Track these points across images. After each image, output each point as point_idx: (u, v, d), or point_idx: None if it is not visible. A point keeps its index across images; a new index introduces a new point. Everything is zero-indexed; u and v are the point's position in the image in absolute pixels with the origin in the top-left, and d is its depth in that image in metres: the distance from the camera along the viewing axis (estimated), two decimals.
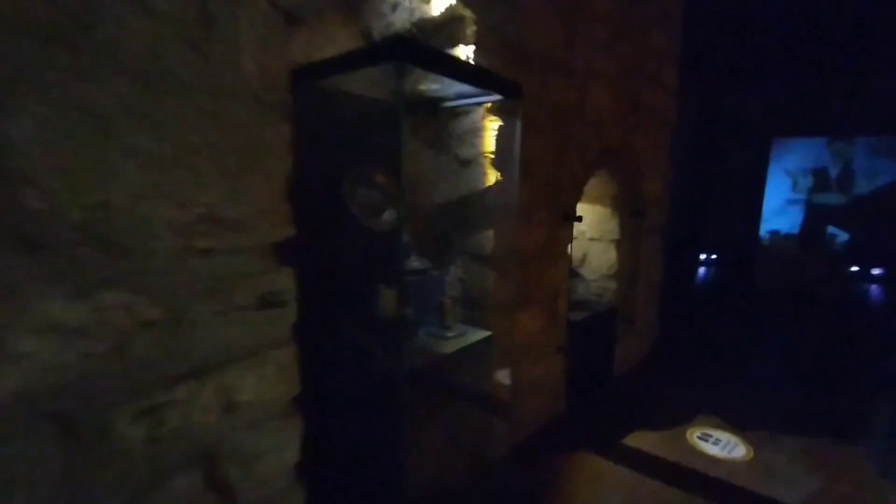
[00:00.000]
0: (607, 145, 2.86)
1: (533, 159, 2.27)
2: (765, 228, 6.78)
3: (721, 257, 7.00)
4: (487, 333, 1.89)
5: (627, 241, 3.31)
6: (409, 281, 1.83)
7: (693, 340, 4.27)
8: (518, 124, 1.83)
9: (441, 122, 2.23)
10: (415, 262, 1.92)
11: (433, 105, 2.03)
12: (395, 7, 2.03)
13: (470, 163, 2.16)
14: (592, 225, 3.35)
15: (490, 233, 2.11)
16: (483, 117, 2.06)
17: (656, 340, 3.97)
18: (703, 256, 7.10)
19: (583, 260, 3.42)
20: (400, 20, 2.02)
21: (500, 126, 2.05)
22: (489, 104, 2.01)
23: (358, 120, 1.86)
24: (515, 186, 1.93)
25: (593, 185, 3.15)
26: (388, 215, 1.90)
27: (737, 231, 6.78)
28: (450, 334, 1.79)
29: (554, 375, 2.71)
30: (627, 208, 3.26)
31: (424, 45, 1.46)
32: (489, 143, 2.07)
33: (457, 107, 2.07)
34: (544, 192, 2.39)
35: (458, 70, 1.40)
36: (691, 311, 5.14)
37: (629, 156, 3.14)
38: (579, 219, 2.50)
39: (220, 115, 1.04)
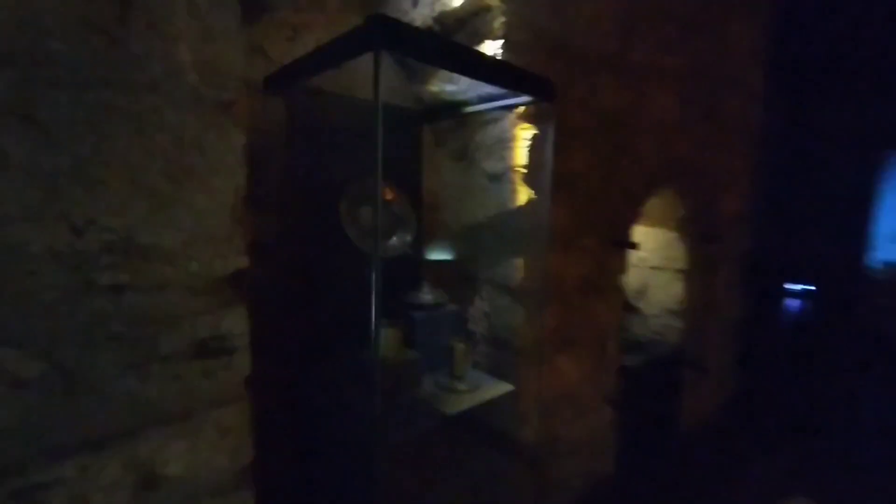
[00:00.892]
0: (673, 158, 2.41)
1: (576, 174, 1.91)
2: (875, 258, 5.71)
3: (817, 290, 6.00)
4: (508, 388, 1.54)
5: (698, 271, 2.78)
6: (416, 318, 1.54)
7: (781, 393, 3.55)
8: (550, 131, 1.49)
9: (469, 131, 1.94)
10: (426, 295, 1.63)
11: (455, 111, 1.75)
12: (415, 2, 1.79)
13: (499, 178, 1.84)
14: (654, 252, 2.87)
15: (519, 261, 1.77)
16: (513, 125, 1.75)
17: (734, 391, 3.33)
18: (793, 287, 6.13)
19: (642, 293, 2.93)
20: (421, 16, 1.78)
21: (534, 135, 1.72)
22: (520, 109, 1.70)
23: (363, 128, 1.62)
24: (547, 206, 1.58)
25: (655, 205, 2.69)
26: (397, 240, 1.63)
27: (837, 261, 5.77)
28: (461, 386, 1.47)
29: (600, 432, 2.27)
30: (698, 232, 2.75)
31: (413, 28, 1.18)
32: (520, 155, 1.74)
33: (482, 112, 1.78)
34: (590, 214, 2.01)
35: (463, 60, 1.11)
36: (778, 355, 4.35)
37: (700, 170, 2.65)
38: (635, 245, 2.08)
39: (141, 117, 0.83)
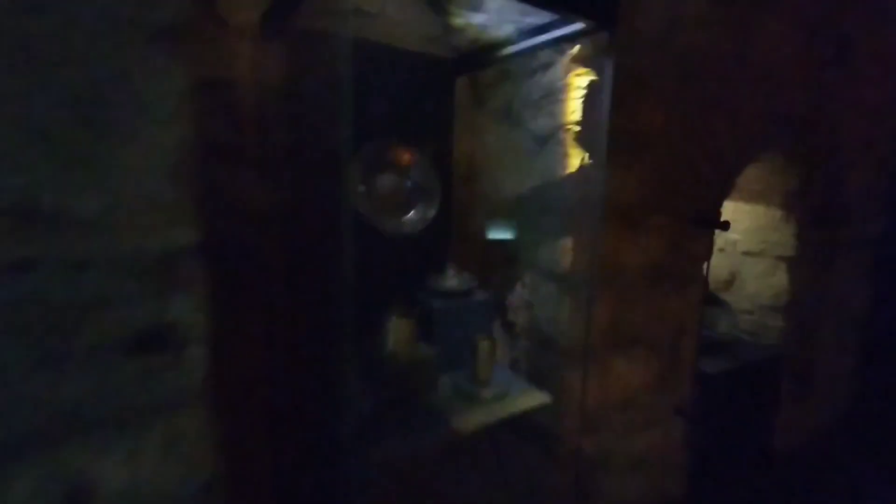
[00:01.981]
0: (784, 114, 1.88)
1: (646, 134, 1.52)
2: None
3: None
4: (544, 399, 1.25)
5: (808, 259, 2.23)
6: (434, 307, 1.29)
7: None
8: (609, 75, 1.13)
9: (514, 84, 1.62)
10: (450, 280, 1.37)
11: (492, 56, 1.43)
12: None
13: (547, 140, 1.51)
14: (749, 233, 2.34)
15: (567, 241, 1.44)
16: (567, 72, 1.40)
17: (850, 408, 2.72)
18: None
19: (729, 283, 2.43)
20: None
21: (591, 83, 1.36)
22: (575, 50, 1.34)
23: (382, 79, 1.36)
24: (604, 172, 1.24)
25: (754, 175, 2.17)
26: (417, 214, 1.38)
27: None
28: (484, 393, 1.21)
29: (669, 447, 1.90)
30: (812, 211, 2.18)
31: None
32: (573, 109, 1.39)
33: (527, 58, 1.44)
34: (665, 184, 1.61)
35: None
36: None
37: (822, 131, 2.07)
38: (726, 225, 1.64)
39: (44, 46, 0.64)
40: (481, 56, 1.46)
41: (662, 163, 1.58)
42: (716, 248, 2.41)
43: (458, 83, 1.66)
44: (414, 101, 1.43)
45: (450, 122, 1.58)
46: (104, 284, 0.73)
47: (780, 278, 2.25)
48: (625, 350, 1.65)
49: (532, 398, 1.24)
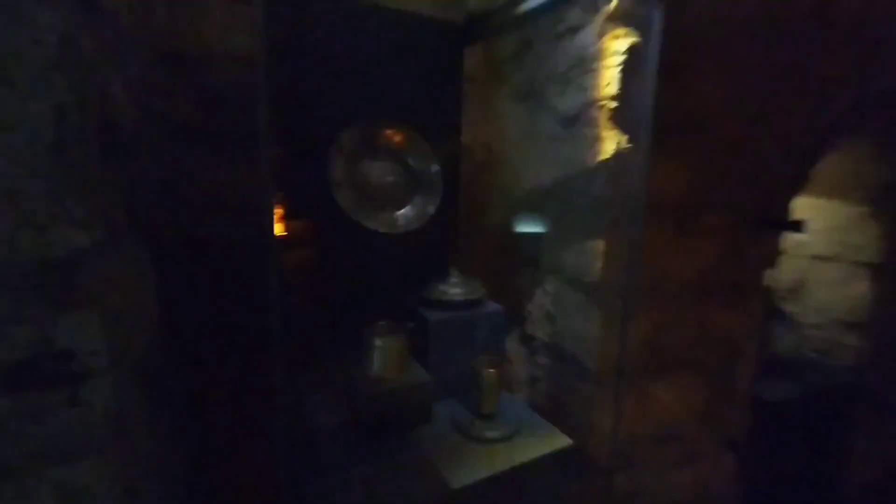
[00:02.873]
0: (876, 89, 1.53)
1: (702, 112, 1.23)
2: None
3: None
4: (564, 442, 1.00)
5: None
6: (430, 321, 1.07)
7: None
8: (656, 29, 0.87)
9: (537, 55, 1.36)
10: (454, 288, 1.14)
11: (508, 15, 1.18)
12: None
13: (575, 120, 1.25)
14: (822, 234, 1.98)
15: (597, 244, 1.18)
16: (600, 36, 1.13)
17: None
18: None
19: (794, 292, 2.07)
20: None
21: (632, 47, 1.09)
22: (611, 6, 1.08)
23: (374, 48, 1.14)
24: (645, 160, 0.97)
25: (830, 164, 1.81)
26: (414, 209, 1.16)
27: None
28: (488, 432, 0.98)
29: (718, 486, 1.61)
30: None
31: None
32: (608, 81, 1.13)
33: (551, 19, 1.19)
34: (722, 175, 1.31)
35: None
36: None
37: None
38: (797, 226, 1.33)
39: None
40: (496, 17, 1.22)
41: (721, 149, 1.29)
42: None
43: (472, 58, 1.42)
44: (415, 75, 1.21)
45: (458, 100, 1.34)
46: None
47: (859, 288, 1.88)
48: (666, 373, 1.38)
49: (549, 441, 1.00)
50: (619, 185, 1.17)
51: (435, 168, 1.17)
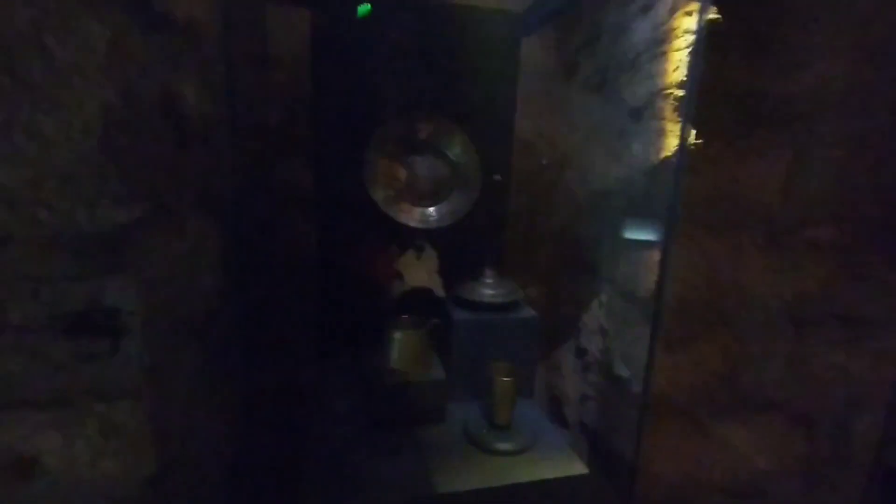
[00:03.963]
0: None
1: (805, 99, 1.00)
2: None
3: None
4: (576, 470, 0.90)
5: None
6: (455, 320, 1.05)
7: None
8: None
9: (609, 41, 1.25)
10: (487, 289, 1.10)
11: None
12: None
13: (641, 112, 1.12)
14: None
15: (652, 253, 1.04)
16: (673, 11, 0.99)
17: None
18: None
19: None
20: None
21: (710, 23, 0.93)
22: None
23: (421, 43, 1.15)
24: (718, 159, 0.83)
25: None
26: (450, 205, 1.14)
27: None
28: (500, 444, 0.92)
29: None
30: None
31: None
32: (676, 65, 0.98)
33: None
34: (836, 179, 1.05)
35: None
36: None
37: None
38: None
39: None
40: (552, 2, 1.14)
41: (831, 145, 1.03)
42: None
43: (536, 48, 1.35)
44: (472, 67, 1.19)
45: (513, 93, 1.28)
46: (30, 262, 0.69)
47: None
48: (745, 415, 1.15)
49: (561, 465, 0.90)
50: (684, 187, 1.00)
51: (473, 163, 1.13)
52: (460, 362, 1.02)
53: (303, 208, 1.20)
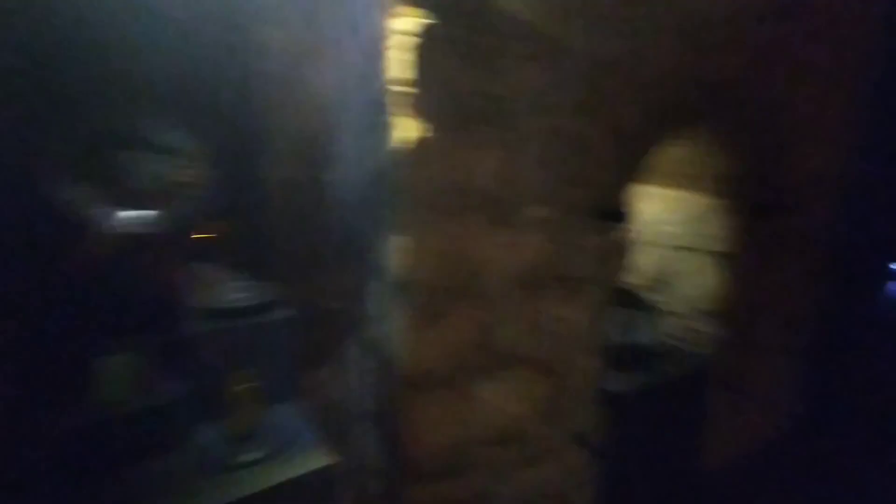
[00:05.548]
0: (707, 79, 1.54)
1: (515, 98, 1.17)
2: None
3: None
4: (323, 461, 0.91)
5: (744, 254, 1.92)
6: (194, 333, 0.94)
7: (867, 416, 2.60)
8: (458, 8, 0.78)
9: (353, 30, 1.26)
10: (233, 293, 1.02)
11: None
12: None
13: (381, 105, 1.16)
14: (684, 225, 2.02)
15: (404, 239, 1.10)
16: (395, 13, 1.04)
17: (795, 415, 2.45)
18: None
19: (662, 283, 2.12)
20: None
21: (424, 30, 1.00)
22: None
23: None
24: (451, 151, 0.90)
25: (681, 156, 1.84)
26: (173, 210, 1.01)
27: None
28: (245, 455, 0.87)
29: (569, 483, 1.59)
30: (750, 198, 1.87)
31: None
32: (402, 63, 1.04)
33: None
34: (544, 166, 1.26)
35: None
36: (873, 362, 3.29)
37: (759, 101, 1.74)
38: (620, 217, 1.31)
39: None
40: None
41: (540, 138, 1.23)
42: (644, 241, 2.10)
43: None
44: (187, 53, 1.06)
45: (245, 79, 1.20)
46: None
47: (712, 277, 1.94)
48: (496, 373, 1.32)
49: (309, 462, 0.90)
50: (424, 176, 1.09)
51: (197, 152, 1.03)
52: (201, 379, 0.93)
53: None
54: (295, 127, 1.20)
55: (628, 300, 1.85)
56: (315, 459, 0.89)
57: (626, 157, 1.42)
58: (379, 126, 1.11)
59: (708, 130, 1.66)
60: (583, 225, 1.37)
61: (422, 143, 1.06)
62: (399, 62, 1.04)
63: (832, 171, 2.22)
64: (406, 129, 1.06)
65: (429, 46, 1.03)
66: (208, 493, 0.79)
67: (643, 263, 2.10)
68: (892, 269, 4.82)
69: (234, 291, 1.00)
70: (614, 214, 1.42)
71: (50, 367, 0.84)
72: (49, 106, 0.88)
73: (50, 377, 0.82)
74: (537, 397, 1.43)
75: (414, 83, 1.04)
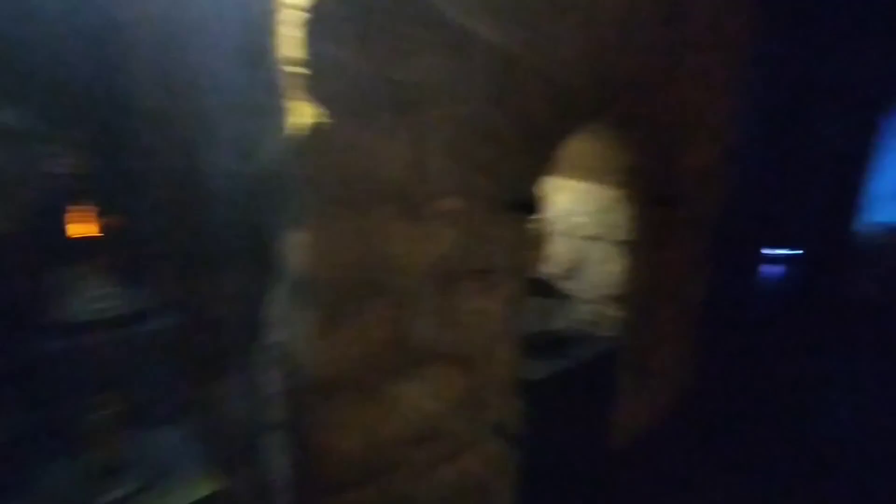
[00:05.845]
0: (611, 77, 1.62)
1: (421, 87, 1.12)
2: (870, 218, 5.06)
3: (804, 254, 5.37)
4: (207, 490, 0.81)
5: (644, 243, 2.06)
6: (45, 354, 0.78)
7: (750, 384, 2.96)
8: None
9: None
10: (100, 302, 0.86)
11: None
12: None
13: (273, 87, 1.05)
14: (593, 216, 2.13)
15: (302, 237, 1.01)
16: None
17: (690, 389, 2.71)
18: (775, 253, 5.50)
19: (575, 271, 2.22)
20: None
21: (315, 4, 0.92)
22: None
23: None
24: (352, 139, 0.82)
25: (588, 149, 1.93)
26: (33, 200, 0.84)
27: (824, 222, 5.13)
28: (108, 494, 0.74)
29: (489, 472, 1.61)
30: (649, 189, 2.01)
31: None
32: (291, 43, 0.95)
33: None
34: (454, 157, 1.24)
35: None
36: (751, 337, 3.76)
37: (656, 99, 1.87)
38: (529, 208, 1.33)
39: None
40: None
41: (449, 128, 1.20)
42: (557, 232, 2.18)
43: None
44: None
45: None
46: None
47: (618, 264, 2.06)
48: (412, 371, 1.28)
49: (191, 489, 0.80)
50: (322, 164, 1.01)
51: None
52: (56, 406, 0.78)
53: None
54: (172, 110, 1.05)
55: (543, 289, 1.90)
56: (199, 487, 0.79)
57: (535, 148, 1.44)
58: (272, 110, 1.01)
59: (610, 125, 1.75)
60: (495, 216, 1.37)
61: (319, 130, 0.98)
62: (290, 40, 0.95)
63: (717, 166, 2.46)
64: (301, 114, 0.97)
65: (320, 24, 0.95)
66: None
67: (556, 253, 2.18)
68: (764, 253, 5.56)
69: (100, 300, 0.85)
70: (526, 206, 1.44)
71: None
72: None
73: None
74: (455, 392, 1.41)
75: (305, 63, 0.95)
